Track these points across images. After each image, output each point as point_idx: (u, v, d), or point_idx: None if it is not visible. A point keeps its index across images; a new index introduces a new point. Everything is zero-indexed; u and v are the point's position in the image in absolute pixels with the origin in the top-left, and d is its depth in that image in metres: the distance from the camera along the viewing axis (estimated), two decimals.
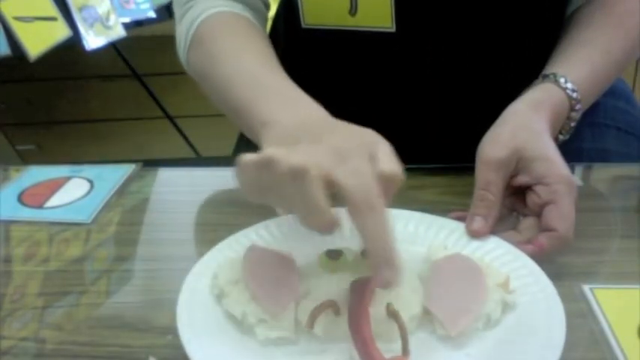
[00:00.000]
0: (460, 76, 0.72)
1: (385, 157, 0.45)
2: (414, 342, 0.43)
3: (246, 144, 0.86)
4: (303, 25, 0.70)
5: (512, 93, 0.63)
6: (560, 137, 0.64)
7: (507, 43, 0.71)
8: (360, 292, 0.45)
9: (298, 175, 0.42)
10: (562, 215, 0.52)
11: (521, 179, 0.56)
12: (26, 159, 2.28)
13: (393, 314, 0.44)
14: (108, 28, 1.69)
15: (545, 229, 0.53)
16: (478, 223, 0.55)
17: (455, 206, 0.60)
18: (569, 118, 0.63)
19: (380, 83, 0.74)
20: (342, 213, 0.48)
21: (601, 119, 0.81)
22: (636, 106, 0.86)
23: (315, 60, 0.77)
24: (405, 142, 0.76)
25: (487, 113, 0.61)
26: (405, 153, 0.74)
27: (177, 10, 0.73)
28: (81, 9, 1.61)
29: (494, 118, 0.60)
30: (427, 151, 0.73)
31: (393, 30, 0.67)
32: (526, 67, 0.67)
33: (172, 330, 0.44)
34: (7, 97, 2.23)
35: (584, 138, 0.78)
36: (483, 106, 0.66)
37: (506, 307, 0.47)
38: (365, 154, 0.44)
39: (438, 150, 0.75)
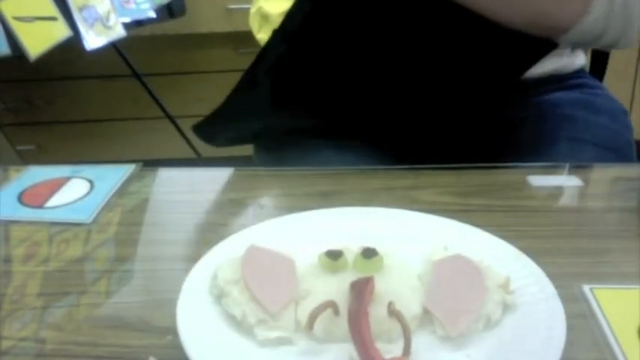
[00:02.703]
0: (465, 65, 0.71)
1: None
2: (414, 342, 0.43)
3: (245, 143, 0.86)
4: None
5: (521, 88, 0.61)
6: None
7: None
8: (359, 293, 0.45)
9: None
10: None
11: None
12: (26, 159, 2.28)
13: (396, 314, 0.44)
14: (108, 28, 1.69)
15: None
16: None
17: (455, 206, 0.60)
18: None
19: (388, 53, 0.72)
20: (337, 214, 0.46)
21: (579, 134, 0.81)
22: (618, 119, 0.85)
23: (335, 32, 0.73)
24: (409, 135, 0.76)
25: (492, 110, 0.60)
26: (406, 152, 0.74)
27: None
28: (81, 9, 1.61)
29: (499, 117, 0.59)
30: (428, 150, 0.73)
31: None
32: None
33: (172, 330, 0.44)
34: (7, 97, 2.23)
35: (560, 152, 0.78)
36: (489, 102, 0.65)
37: (507, 307, 0.47)
38: None
39: (439, 146, 0.74)
